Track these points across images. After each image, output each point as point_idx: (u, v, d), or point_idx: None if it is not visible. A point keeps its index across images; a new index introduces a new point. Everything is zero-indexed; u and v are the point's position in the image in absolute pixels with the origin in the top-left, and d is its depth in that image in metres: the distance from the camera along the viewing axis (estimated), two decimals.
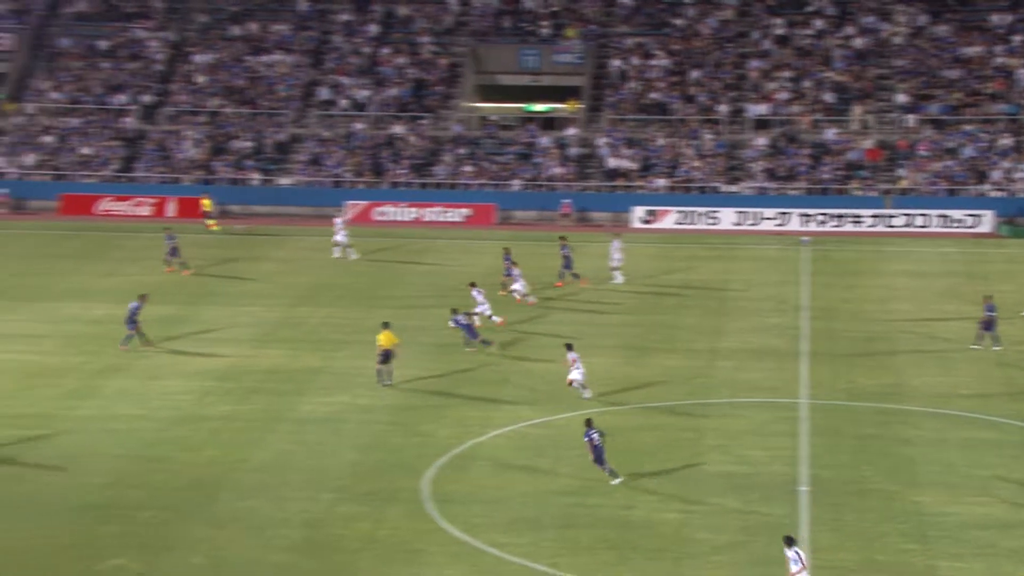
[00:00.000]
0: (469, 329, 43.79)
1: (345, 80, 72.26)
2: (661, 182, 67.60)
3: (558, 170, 68.66)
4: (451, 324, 43.88)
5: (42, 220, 63.68)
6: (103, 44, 73.42)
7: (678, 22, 74.37)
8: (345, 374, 41.39)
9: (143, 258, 56.79)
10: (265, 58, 73.04)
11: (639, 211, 65.95)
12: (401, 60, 73.28)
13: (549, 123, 74.08)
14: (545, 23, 74.72)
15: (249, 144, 69.41)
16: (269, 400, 39.29)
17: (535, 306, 49.57)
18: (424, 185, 68.20)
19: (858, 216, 64.53)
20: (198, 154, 69.00)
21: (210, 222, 62.38)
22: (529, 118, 74.78)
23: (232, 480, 33.48)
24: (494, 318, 45.68)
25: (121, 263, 55.87)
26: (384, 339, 40.25)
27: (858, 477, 33.60)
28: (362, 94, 71.56)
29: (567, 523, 30.91)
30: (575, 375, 38.84)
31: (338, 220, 57.96)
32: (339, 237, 57.04)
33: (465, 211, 66.48)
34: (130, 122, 70.25)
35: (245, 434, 36.61)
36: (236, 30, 74.47)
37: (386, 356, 40.17)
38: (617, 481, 33.00)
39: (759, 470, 34.09)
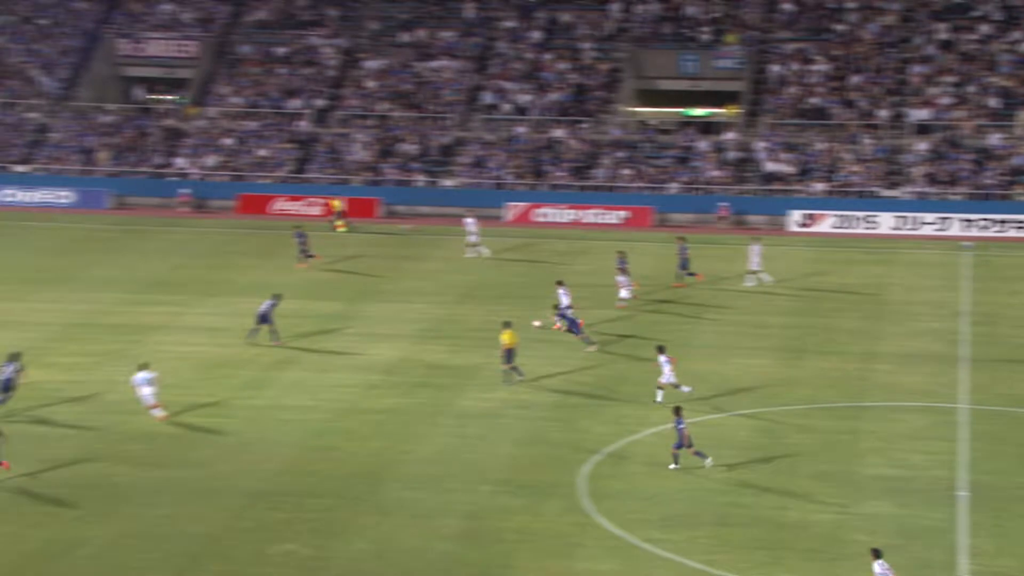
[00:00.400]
0: (573, 324, 43.69)
1: (508, 85, 72.63)
2: (819, 186, 66.47)
3: (715, 173, 68.02)
4: (556, 321, 43.90)
5: (221, 219, 65.26)
6: (280, 51, 74.99)
7: (839, 27, 73.09)
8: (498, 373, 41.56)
9: (315, 255, 57.83)
10: (432, 64, 73.81)
11: (796, 215, 64.95)
12: (563, 65, 73.37)
13: (707, 127, 73.42)
14: (705, 29, 74.10)
15: (415, 147, 70.21)
16: (432, 394, 39.69)
17: (689, 308, 49.22)
18: (583, 187, 68.17)
19: (1022, 222, 62.59)
20: (367, 156, 70.07)
21: (338, 223, 63.01)
22: (687, 122, 74.20)
23: (396, 470, 33.91)
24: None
25: (294, 260, 56.94)
26: (507, 338, 40.42)
27: (1020, 483, 32.59)
28: (524, 98, 71.85)
29: (721, 521, 30.60)
30: (665, 378, 38.29)
31: (469, 220, 58.28)
32: (472, 238, 57.50)
33: (623, 213, 66.28)
34: (304, 125, 71.63)
35: (409, 427, 37.05)
36: (405, 37, 75.39)
37: (509, 355, 40.31)
38: (709, 462, 33.16)
39: (917, 474, 33.32)
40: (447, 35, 75.36)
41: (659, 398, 38.35)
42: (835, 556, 28.74)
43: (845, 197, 65.93)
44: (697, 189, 67.68)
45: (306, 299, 50.01)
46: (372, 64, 74.08)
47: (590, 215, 66.17)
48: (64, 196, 67.36)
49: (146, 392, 37.24)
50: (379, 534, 30.09)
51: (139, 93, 74.34)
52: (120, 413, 37.84)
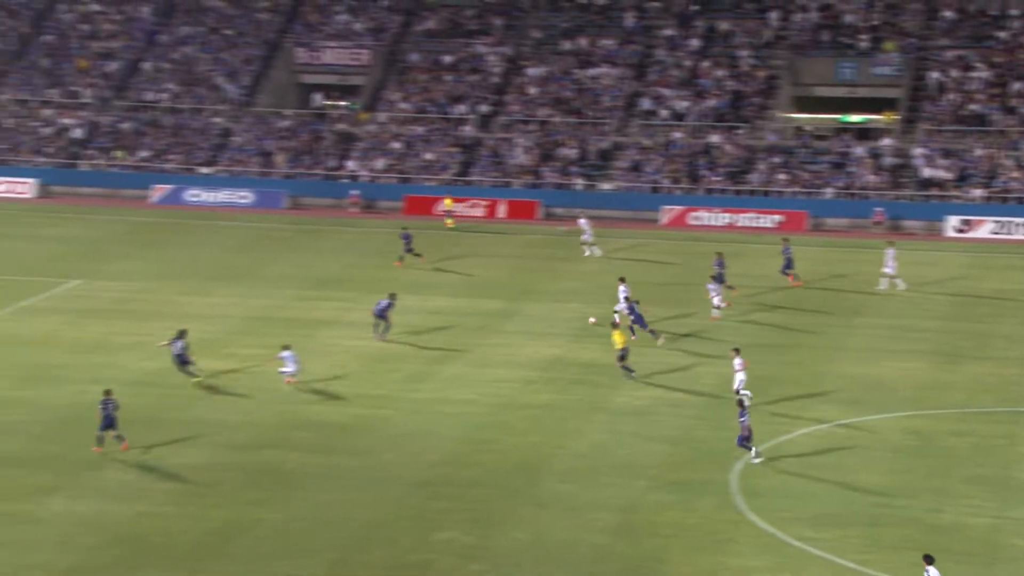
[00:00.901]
0: (639, 318, 43.61)
1: (666, 91, 72.14)
2: (977, 192, 64.54)
3: (871, 179, 66.54)
4: (624, 310, 44.04)
5: (389, 219, 66.10)
6: (447, 59, 75.71)
7: (1001, 35, 70.90)
8: (657, 370, 41.24)
9: (477, 254, 58.27)
10: (592, 71, 73.70)
11: (953, 220, 63.16)
12: (720, 72, 72.60)
13: (864, 134, 71.87)
14: (864, 36, 72.56)
15: (574, 151, 70.19)
16: (587, 391, 39.60)
17: (842, 311, 48.25)
18: (738, 192, 67.35)
19: None
20: (528, 160, 70.32)
21: (448, 221, 63.70)
22: (844, 129, 72.75)
23: (553, 464, 33.90)
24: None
25: (457, 260, 57.45)
26: (618, 338, 40.32)
27: None
28: (682, 104, 71.27)
29: (873, 522, 29.89)
30: (737, 381, 37.47)
31: (582, 220, 58.38)
32: (585, 236, 57.58)
33: (777, 217, 65.28)
34: (468, 130, 72.20)
35: (565, 422, 37.02)
36: (567, 45, 75.42)
37: (623, 354, 40.15)
38: (758, 460, 32.85)
39: None
40: (607, 43, 75.16)
41: (747, 403, 37.70)
42: (991, 560, 27.85)
43: (1004, 203, 63.90)
44: (852, 194, 66.32)
45: (468, 297, 50.40)
46: (534, 71, 74.28)
47: (744, 219, 65.33)
48: (244, 196, 69.03)
49: (290, 367, 39.23)
50: (536, 525, 30.11)
51: (318, 99, 75.79)
52: (291, 403, 38.60)
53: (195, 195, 69.44)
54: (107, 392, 34.71)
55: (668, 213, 65.99)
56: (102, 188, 70.36)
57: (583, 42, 75.34)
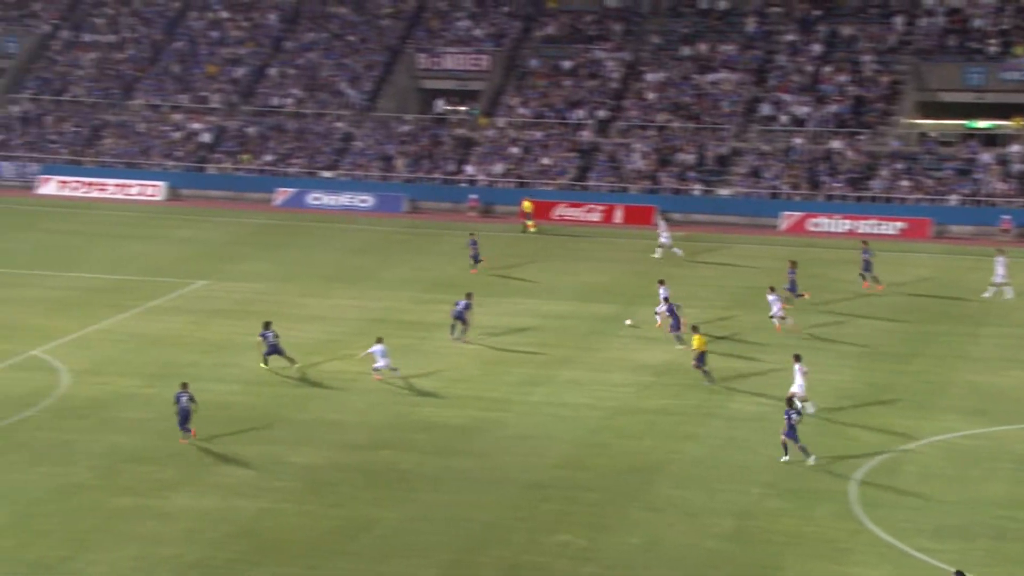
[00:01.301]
0: (676, 320, 43.70)
1: (786, 97, 71.24)
2: None
3: (999, 186, 64.93)
4: (664, 312, 44.34)
5: (507, 223, 66.26)
6: (566, 64, 75.70)
7: None
8: (772, 375, 40.68)
9: (595, 259, 58.12)
10: (711, 76, 73.10)
11: None
12: (842, 78, 71.48)
13: (991, 140, 70.12)
14: (993, 41, 70.87)
15: (692, 156, 69.67)
16: (702, 396, 39.23)
17: (967, 320, 47.13)
18: (859, 198, 66.21)
19: None
20: (645, 165, 69.97)
21: (529, 223, 64.06)
22: (970, 135, 71.08)
23: (667, 469, 33.64)
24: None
25: (575, 263, 57.40)
26: (697, 343, 40.01)
27: None
28: (802, 110, 70.31)
29: (998, 535, 29.11)
30: (795, 388, 36.60)
31: (661, 222, 58.43)
32: (663, 239, 57.46)
33: (899, 224, 64.03)
34: (586, 135, 72.08)
35: (679, 427, 36.72)
36: (686, 50, 74.93)
37: (701, 358, 39.83)
38: (812, 460, 32.74)
39: None
40: (727, 48, 74.50)
41: (811, 409, 36.91)
42: None
43: None
44: (979, 201, 64.79)
45: (582, 301, 50.28)
46: (653, 76, 73.93)
47: (866, 226, 64.17)
48: (364, 200, 69.76)
49: (381, 362, 39.77)
50: (650, 530, 29.90)
51: (440, 105, 76.33)
52: (407, 404, 38.86)
53: (317, 198, 70.37)
54: (183, 385, 35.69)
55: (787, 219, 65.15)
56: (228, 191, 71.71)
57: (703, 47, 74.76)
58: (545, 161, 71.20)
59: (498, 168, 71.22)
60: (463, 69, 76.90)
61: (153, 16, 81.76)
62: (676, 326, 43.89)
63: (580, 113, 72.97)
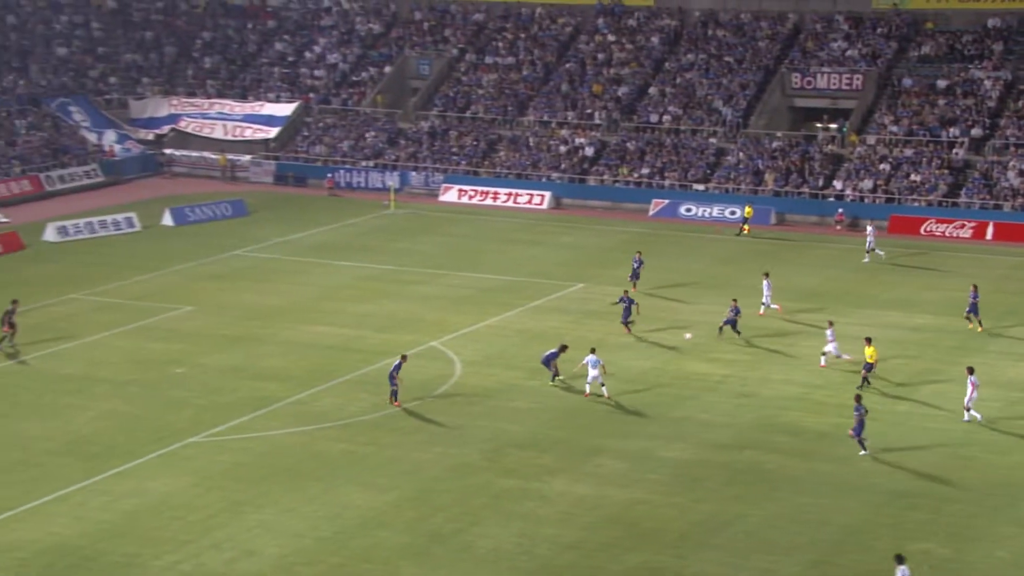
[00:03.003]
0: (733, 323, 42.71)
1: None
2: None
3: None
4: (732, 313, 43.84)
5: (881, 237, 63.48)
6: (941, 83, 72.53)
7: None
8: None
9: (963, 274, 55.39)
10: None
11: None
12: None
13: None
14: None
15: None
16: None
17: None
18: None
19: None
20: (1021, 184, 66.01)
21: (745, 227, 64.11)
22: None
23: None
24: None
25: (942, 278, 54.99)
26: (869, 351, 38.89)
27: None
28: None
29: None
30: (968, 398, 35.05)
31: (870, 227, 58.65)
32: (869, 243, 57.92)
33: None
34: (959, 153, 68.80)
35: None
36: None
37: (869, 368, 38.74)
38: (863, 453, 33.65)
39: None
40: None
41: (976, 416, 34.53)
42: None
43: None
44: None
45: (949, 316, 48.02)
46: None
47: None
48: (734, 212, 69.27)
49: (592, 373, 38.82)
50: (1018, 545, 28.28)
51: (818, 124, 74.93)
52: (772, 408, 38.40)
53: (688, 209, 70.53)
54: (403, 356, 38.98)
55: None
56: (606, 201, 73.01)
57: None
58: (914, 178, 68.45)
59: (867, 184, 69.10)
60: (835, 88, 75.18)
61: (547, 40, 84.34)
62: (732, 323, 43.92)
63: (954, 131, 69.70)
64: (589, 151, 75.94)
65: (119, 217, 65.38)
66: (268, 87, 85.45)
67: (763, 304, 48.27)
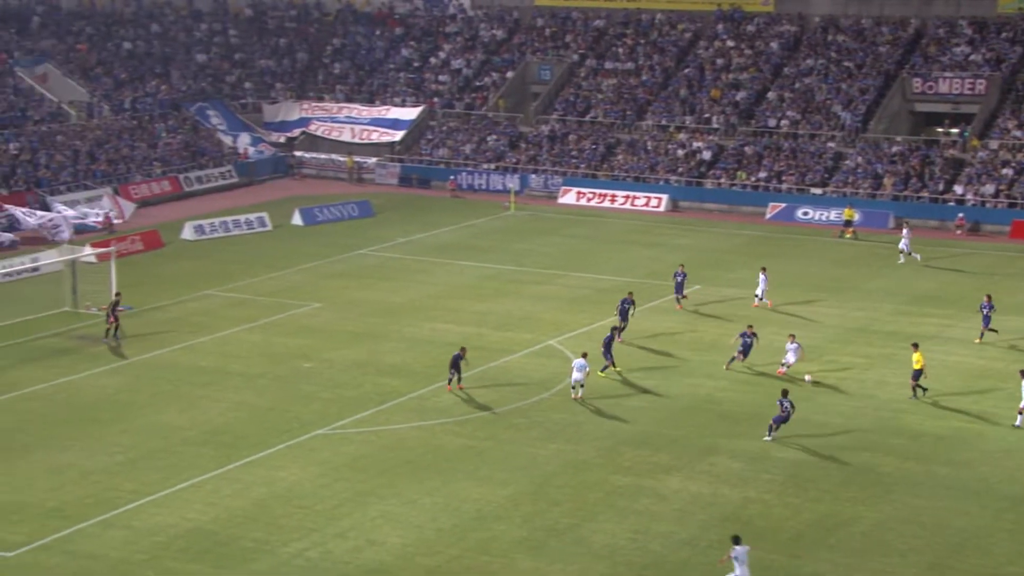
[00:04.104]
0: (746, 348, 41.10)
1: None
2: None
3: None
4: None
5: (995, 242, 62.43)
6: None
7: None
8: None
9: None
10: None
11: None
12: None
13: None
14: None
15: None
16: None
17: None
18: None
19: None
20: None
21: (848, 230, 63.82)
22: None
23: None
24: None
25: None
26: (917, 359, 37.70)
27: None
28: None
29: None
30: None
31: (905, 230, 58.31)
32: (902, 244, 57.61)
33: None
34: None
35: None
36: None
37: (917, 375, 37.60)
38: (767, 439, 34.51)
39: None
40: None
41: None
42: None
43: None
44: None
45: None
46: None
47: None
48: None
49: (577, 376, 38.26)
50: None
51: (939, 129, 73.19)
52: (888, 410, 37.62)
53: (805, 213, 69.43)
54: (462, 349, 39.01)
55: None
56: (723, 204, 72.22)
57: None
58: None
59: (988, 189, 67.23)
60: (957, 93, 73.31)
61: (667, 45, 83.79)
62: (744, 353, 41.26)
63: None
64: (706, 155, 75.24)
65: (252, 217, 66.76)
66: (394, 92, 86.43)
67: (756, 296, 49.07)
